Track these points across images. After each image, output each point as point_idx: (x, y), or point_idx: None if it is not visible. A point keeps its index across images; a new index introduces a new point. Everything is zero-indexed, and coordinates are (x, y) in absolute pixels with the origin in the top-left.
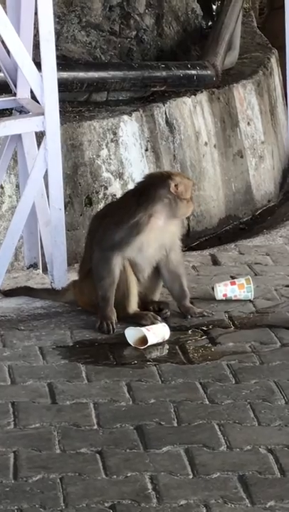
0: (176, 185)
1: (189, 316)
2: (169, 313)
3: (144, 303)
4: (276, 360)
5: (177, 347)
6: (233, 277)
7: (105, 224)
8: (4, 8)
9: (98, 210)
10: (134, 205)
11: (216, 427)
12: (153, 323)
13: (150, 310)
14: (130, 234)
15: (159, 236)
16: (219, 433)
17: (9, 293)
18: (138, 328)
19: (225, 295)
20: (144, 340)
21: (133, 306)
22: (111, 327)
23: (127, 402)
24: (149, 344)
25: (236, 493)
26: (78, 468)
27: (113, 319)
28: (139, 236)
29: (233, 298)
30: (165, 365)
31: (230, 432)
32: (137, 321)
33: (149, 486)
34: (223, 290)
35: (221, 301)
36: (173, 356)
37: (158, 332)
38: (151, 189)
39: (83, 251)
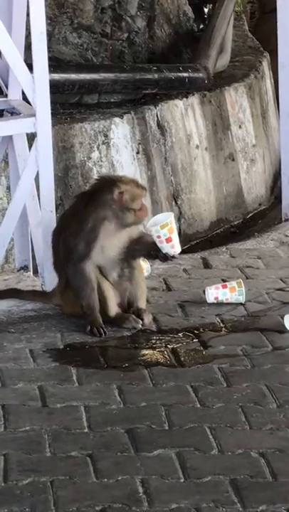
0: (120, 193)
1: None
2: (141, 324)
3: (126, 307)
4: (267, 364)
5: (168, 350)
6: (224, 280)
7: (65, 238)
8: None
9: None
10: (83, 210)
11: (208, 430)
12: (134, 326)
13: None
14: (89, 240)
15: (117, 240)
16: (211, 436)
17: None
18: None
19: (216, 298)
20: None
21: (112, 309)
22: (102, 330)
23: (117, 406)
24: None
25: (228, 497)
26: (69, 472)
27: (102, 323)
28: (97, 240)
29: (225, 301)
30: (156, 368)
31: (222, 435)
32: (119, 323)
33: (140, 489)
34: (214, 293)
35: (213, 304)
36: (164, 359)
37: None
38: (98, 193)
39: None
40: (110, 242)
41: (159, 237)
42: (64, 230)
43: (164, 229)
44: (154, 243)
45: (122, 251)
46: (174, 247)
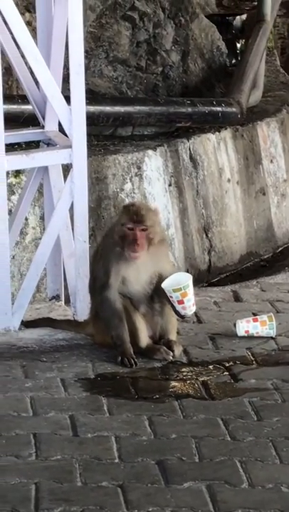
0: (119, 219)
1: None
2: (172, 356)
3: (157, 339)
4: None
5: (199, 382)
6: (255, 314)
7: (92, 263)
8: (35, 40)
9: None
10: (105, 236)
11: (238, 463)
12: (165, 358)
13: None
14: (106, 267)
15: (140, 273)
16: (241, 470)
17: (31, 324)
18: (185, 274)
19: (247, 331)
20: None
21: (143, 340)
22: (133, 361)
23: (148, 437)
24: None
25: None
26: (99, 502)
27: (133, 354)
28: (113, 267)
29: (255, 335)
30: (187, 400)
31: (252, 469)
32: (150, 354)
33: None
34: (245, 326)
35: (243, 337)
36: (194, 391)
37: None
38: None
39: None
40: (132, 274)
41: (171, 297)
42: (94, 254)
43: (176, 292)
44: None
45: (148, 286)
46: (185, 310)
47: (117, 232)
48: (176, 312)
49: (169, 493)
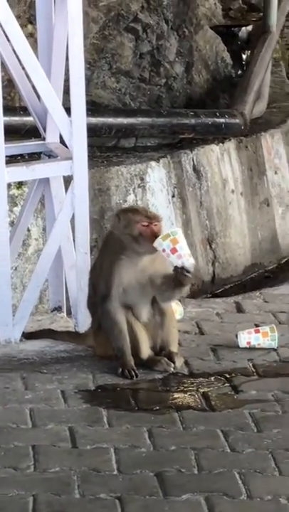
0: (118, 220)
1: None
2: (173, 367)
3: (158, 351)
4: None
5: (199, 394)
6: (257, 325)
7: (90, 277)
8: (36, 53)
9: None
10: (103, 247)
11: (237, 475)
12: (166, 369)
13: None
14: (107, 278)
15: (140, 275)
16: (240, 482)
17: (32, 335)
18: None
19: (249, 343)
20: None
21: (144, 351)
22: (133, 373)
23: (147, 448)
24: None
25: None
26: None
27: (134, 365)
28: (115, 277)
29: (257, 346)
30: (187, 411)
31: (251, 481)
32: (151, 366)
33: None
34: (246, 338)
35: (245, 349)
36: (195, 403)
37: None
38: (110, 229)
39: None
40: (133, 278)
41: (164, 250)
42: (91, 271)
43: (165, 240)
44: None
45: (148, 289)
46: (181, 258)
47: (131, 231)
48: (176, 270)
49: (167, 505)
